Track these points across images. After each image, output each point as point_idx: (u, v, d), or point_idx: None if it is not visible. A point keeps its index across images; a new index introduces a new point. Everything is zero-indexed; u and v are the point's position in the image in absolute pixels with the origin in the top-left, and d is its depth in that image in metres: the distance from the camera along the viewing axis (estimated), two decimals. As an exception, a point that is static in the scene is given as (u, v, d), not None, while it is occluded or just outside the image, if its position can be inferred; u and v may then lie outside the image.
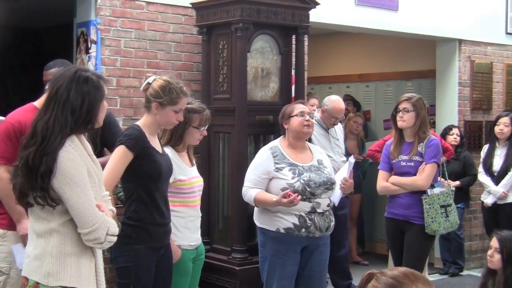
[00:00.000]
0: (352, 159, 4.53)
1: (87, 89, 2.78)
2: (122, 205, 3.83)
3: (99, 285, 2.85)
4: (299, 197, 4.03)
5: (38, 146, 2.69)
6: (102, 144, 4.32)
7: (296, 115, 4.30)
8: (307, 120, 4.29)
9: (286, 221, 4.16)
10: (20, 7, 7.21)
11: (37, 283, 2.73)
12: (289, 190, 4.05)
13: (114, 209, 3.01)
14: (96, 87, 2.82)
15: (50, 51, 6.96)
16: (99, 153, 4.26)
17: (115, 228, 2.81)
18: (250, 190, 4.21)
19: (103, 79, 2.90)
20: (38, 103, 3.72)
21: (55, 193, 2.69)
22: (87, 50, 5.24)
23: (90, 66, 5.18)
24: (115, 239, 2.83)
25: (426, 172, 4.69)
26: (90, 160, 2.84)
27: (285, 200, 3.99)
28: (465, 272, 7.41)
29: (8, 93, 7.89)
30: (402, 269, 1.70)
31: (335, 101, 5.70)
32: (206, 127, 4.12)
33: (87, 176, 2.75)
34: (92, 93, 2.80)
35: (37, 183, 2.67)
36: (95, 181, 2.81)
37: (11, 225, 3.55)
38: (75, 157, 2.72)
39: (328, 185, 4.25)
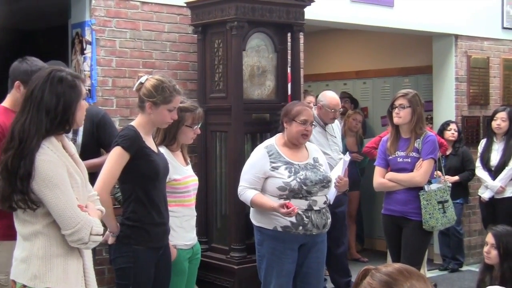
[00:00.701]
0: (347, 157, 4.51)
1: (62, 89, 2.77)
2: (119, 206, 3.83)
3: (88, 285, 2.84)
4: (297, 209, 4.03)
5: (16, 150, 2.69)
6: (98, 144, 4.32)
7: (299, 122, 4.25)
8: (306, 130, 4.27)
9: (283, 219, 4.15)
10: (16, 9, 7.20)
11: (24, 285, 2.73)
12: (288, 201, 4.03)
13: (103, 209, 3.00)
14: (71, 86, 2.80)
15: (46, 52, 6.94)
16: (95, 154, 4.27)
17: (99, 228, 2.80)
18: (247, 191, 4.19)
19: (79, 78, 2.87)
20: (7, 103, 3.72)
21: (35, 196, 2.68)
22: (82, 51, 5.23)
23: (86, 67, 5.18)
24: (100, 238, 2.81)
25: (423, 168, 4.69)
26: (71, 161, 2.82)
27: (283, 210, 3.99)
28: (464, 268, 7.41)
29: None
30: (397, 265, 1.69)
31: (329, 95, 5.72)
32: (199, 126, 4.12)
33: (67, 177, 2.73)
34: (68, 93, 2.77)
35: (17, 187, 2.66)
36: (77, 181, 2.80)
37: (6, 235, 3.51)
38: (53, 159, 2.71)
39: (324, 183, 4.24)
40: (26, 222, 2.75)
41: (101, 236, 2.84)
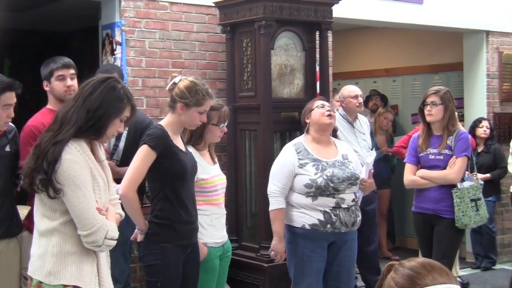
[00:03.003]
0: (368, 160, 4.50)
1: (109, 97, 2.82)
2: (149, 204, 3.86)
3: (102, 285, 2.86)
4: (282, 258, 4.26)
5: (54, 132, 2.76)
6: None
7: (316, 107, 4.29)
8: (328, 111, 4.27)
9: (311, 217, 4.14)
10: (47, 12, 7.31)
11: (40, 282, 2.77)
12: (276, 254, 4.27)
13: (122, 213, 3.03)
14: (118, 100, 2.85)
15: (77, 54, 7.05)
16: None
17: (114, 232, 2.82)
18: (276, 199, 4.20)
19: (129, 99, 2.90)
20: (49, 104, 3.79)
21: (58, 184, 2.71)
22: (112, 52, 5.29)
23: (116, 67, 5.25)
24: (114, 243, 2.83)
25: (457, 166, 4.64)
26: (96, 163, 2.85)
27: (272, 253, 4.29)
28: (497, 266, 7.32)
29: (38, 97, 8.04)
30: (420, 259, 1.70)
31: (345, 87, 5.80)
32: (225, 124, 4.13)
33: (89, 179, 2.77)
34: (111, 104, 2.83)
35: (42, 166, 2.70)
36: (99, 184, 2.83)
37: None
38: (78, 159, 2.75)
39: (352, 180, 4.21)
40: (45, 218, 2.79)
41: (115, 241, 2.85)
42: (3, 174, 3.63)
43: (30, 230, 3.43)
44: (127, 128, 3.03)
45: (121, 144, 4.32)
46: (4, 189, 3.66)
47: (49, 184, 2.70)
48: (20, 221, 3.83)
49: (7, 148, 3.69)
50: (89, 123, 2.79)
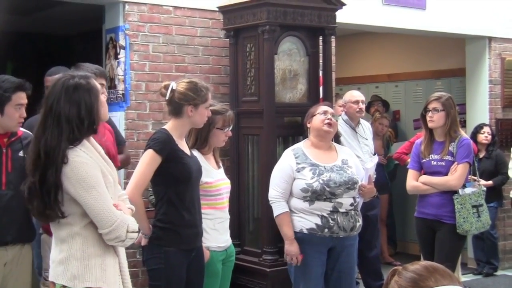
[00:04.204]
0: (368, 165, 4.49)
1: (79, 96, 2.80)
2: (153, 209, 3.87)
3: (125, 283, 2.89)
4: (300, 259, 4.17)
5: (43, 164, 2.74)
6: None
7: (318, 113, 4.30)
8: (328, 119, 4.28)
9: (309, 222, 4.15)
10: (50, 15, 7.33)
11: (64, 286, 2.77)
12: (301, 255, 4.17)
13: (133, 207, 3.04)
14: (87, 89, 2.83)
15: (79, 58, 7.07)
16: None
17: (134, 225, 2.85)
18: (279, 203, 4.20)
19: (90, 78, 2.91)
20: None
21: (64, 207, 2.73)
22: (116, 56, 5.30)
23: (119, 71, 5.25)
24: (136, 235, 2.86)
25: (458, 172, 4.64)
26: (103, 161, 2.87)
27: (287, 258, 4.20)
28: (499, 272, 7.32)
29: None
30: (423, 262, 1.72)
31: (348, 92, 5.90)
32: (230, 128, 4.14)
33: (101, 178, 2.79)
34: (86, 98, 2.82)
35: (47, 201, 2.72)
36: (110, 181, 2.85)
37: None
38: (87, 160, 2.76)
39: (350, 185, 4.19)
40: (64, 225, 2.80)
41: (137, 233, 2.88)
42: (16, 178, 3.62)
43: (49, 232, 3.43)
44: (107, 116, 3.09)
45: None
46: (18, 194, 3.66)
47: (57, 212, 2.73)
48: (33, 227, 3.82)
49: (21, 153, 3.70)
50: (84, 128, 2.79)
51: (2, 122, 3.64)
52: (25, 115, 3.67)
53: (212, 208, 3.99)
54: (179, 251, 3.60)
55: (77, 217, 2.78)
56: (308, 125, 4.36)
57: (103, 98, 2.94)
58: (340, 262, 4.25)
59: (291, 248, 4.17)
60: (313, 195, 4.13)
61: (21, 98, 3.62)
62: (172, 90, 3.63)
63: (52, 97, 2.81)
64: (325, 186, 4.12)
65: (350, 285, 4.37)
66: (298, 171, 4.18)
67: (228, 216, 4.15)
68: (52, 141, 2.74)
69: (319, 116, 4.29)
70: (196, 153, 3.94)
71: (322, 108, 4.35)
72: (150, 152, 3.55)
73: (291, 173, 4.19)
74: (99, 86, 2.93)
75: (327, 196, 4.13)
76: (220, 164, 4.20)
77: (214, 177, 4.03)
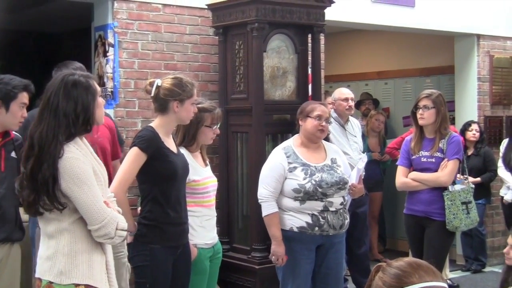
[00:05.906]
0: (360, 165, 4.51)
1: (77, 92, 2.82)
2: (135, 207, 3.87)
3: (110, 281, 2.89)
4: (285, 260, 4.20)
5: (36, 156, 2.74)
6: None
7: (313, 117, 4.29)
8: (322, 125, 4.28)
9: (299, 220, 4.17)
10: (39, 13, 7.31)
11: (51, 282, 2.77)
12: (286, 257, 4.19)
13: (120, 210, 3.04)
14: (86, 88, 2.85)
15: (68, 55, 7.05)
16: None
17: (124, 223, 2.86)
18: (268, 203, 4.20)
19: (91, 78, 2.93)
20: None
21: (63, 197, 2.74)
22: (105, 54, 5.29)
23: (108, 69, 5.24)
24: (125, 233, 2.87)
25: (448, 169, 4.66)
26: (95, 160, 2.89)
27: (273, 257, 4.21)
28: (487, 269, 7.36)
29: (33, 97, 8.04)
30: (407, 259, 1.74)
31: (337, 89, 5.91)
32: (218, 126, 4.15)
33: (93, 174, 2.80)
34: (84, 95, 2.83)
35: (41, 191, 2.72)
36: (100, 179, 2.86)
37: None
38: (79, 156, 2.78)
39: (341, 185, 4.23)
40: (52, 220, 2.80)
41: (126, 232, 2.89)
42: (8, 178, 3.63)
43: None
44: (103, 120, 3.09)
45: None
46: (9, 193, 3.66)
47: (54, 202, 2.73)
48: (23, 227, 3.83)
49: (13, 154, 3.72)
50: (78, 125, 2.81)
51: (5, 119, 3.68)
52: (26, 114, 3.75)
53: (199, 206, 4.00)
54: (165, 248, 3.60)
55: (66, 213, 2.78)
56: (301, 123, 4.36)
57: (100, 100, 2.95)
58: (328, 259, 4.28)
59: (278, 249, 4.19)
60: (305, 196, 4.15)
61: (26, 97, 3.72)
62: (157, 87, 3.63)
63: (51, 90, 2.84)
64: (317, 187, 4.14)
65: (338, 282, 4.39)
66: (290, 171, 4.19)
67: (215, 214, 4.16)
68: (48, 133, 2.76)
69: (313, 121, 4.27)
70: (183, 150, 3.94)
71: (317, 111, 4.30)
72: (135, 149, 3.55)
73: (282, 173, 4.20)
74: (98, 88, 2.95)
75: (318, 196, 4.16)
76: (207, 162, 4.21)
77: (202, 175, 4.03)
